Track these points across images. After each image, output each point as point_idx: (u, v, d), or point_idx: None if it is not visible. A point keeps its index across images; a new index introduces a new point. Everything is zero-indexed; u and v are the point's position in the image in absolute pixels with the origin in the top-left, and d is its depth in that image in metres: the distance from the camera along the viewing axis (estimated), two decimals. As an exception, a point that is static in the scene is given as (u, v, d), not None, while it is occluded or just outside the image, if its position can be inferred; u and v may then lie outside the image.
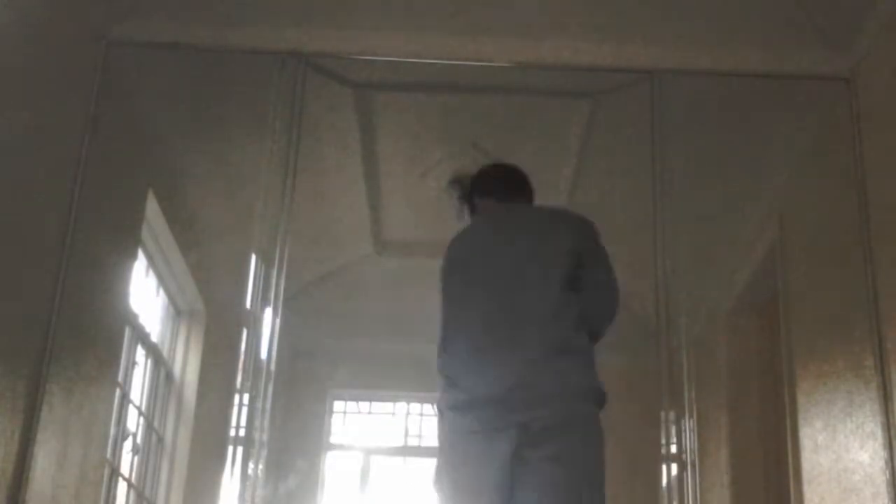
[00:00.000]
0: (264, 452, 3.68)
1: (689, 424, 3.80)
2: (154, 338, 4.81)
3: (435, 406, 2.75)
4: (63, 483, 3.54)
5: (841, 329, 3.82)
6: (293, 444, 6.07)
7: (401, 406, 6.54)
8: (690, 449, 3.80)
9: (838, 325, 3.86)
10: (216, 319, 5.13)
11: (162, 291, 4.88)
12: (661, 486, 3.75)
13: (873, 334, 3.53)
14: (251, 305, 3.80)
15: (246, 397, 3.72)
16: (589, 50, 3.94)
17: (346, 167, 4.85)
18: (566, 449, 2.44)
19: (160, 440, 4.89)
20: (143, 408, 4.69)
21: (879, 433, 3.44)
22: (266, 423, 3.70)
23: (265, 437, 3.69)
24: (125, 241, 4.15)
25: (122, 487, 4.43)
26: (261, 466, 3.65)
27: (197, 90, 4.15)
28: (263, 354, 3.76)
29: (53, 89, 3.42)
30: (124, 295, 4.14)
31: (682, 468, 3.73)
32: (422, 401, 6.43)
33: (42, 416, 3.32)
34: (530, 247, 2.69)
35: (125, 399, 4.38)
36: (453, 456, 2.54)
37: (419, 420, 6.46)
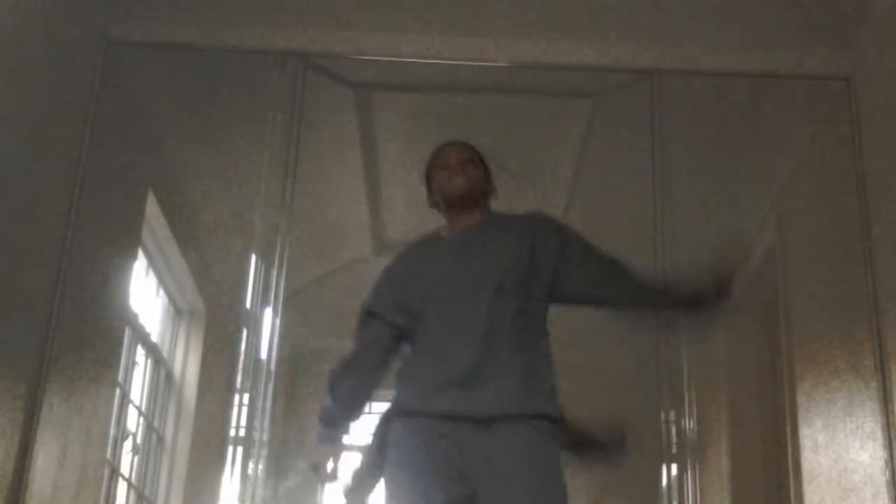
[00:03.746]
0: (264, 452, 3.68)
1: (689, 424, 3.80)
2: (154, 338, 4.80)
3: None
4: (63, 483, 3.54)
5: (841, 329, 3.82)
6: (293, 444, 6.07)
7: (401, 406, 6.53)
8: (690, 449, 3.80)
9: (838, 325, 3.86)
10: (216, 319, 5.13)
11: (162, 291, 4.88)
12: (661, 486, 3.75)
13: (873, 334, 3.54)
14: (251, 305, 3.80)
15: (246, 397, 3.72)
16: (589, 50, 3.95)
17: (346, 167, 4.85)
18: None
19: (160, 440, 4.89)
20: (143, 408, 4.69)
21: (879, 433, 3.45)
22: (266, 423, 3.70)
23: (265, 437, 3.69)
24: (125, 241, 4.15)
25: (122, 487, 4.43)
26: (261, 466, 3.65)
27: (197, 90, 4.15)
28: (263, 354, 3.76)
29: (53, 89, 3.42)
30: (124, 295, 4.14)
31: (682, 468, 3.73)
32: (422, 401, 6.41)
33: (42, 416, 3.32)
34: None
35: (125, 399, 4.38)
36: None
37: (419, 420, 6.44)
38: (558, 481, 2.38)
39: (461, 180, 2.68)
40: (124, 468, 4.48)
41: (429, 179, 2.81)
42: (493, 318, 2.46)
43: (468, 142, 2.79)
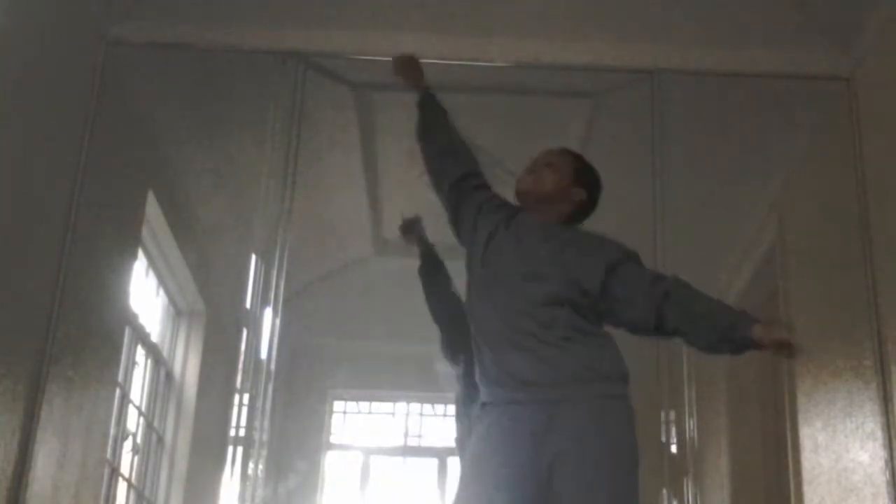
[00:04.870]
0: (264, 452, 3.68)
1: (689, 424, 3.80)
2: (154, 338, 4.80)
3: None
4: (63, 483, 3.54)
5: (841, 329, 3.82)
6: (293, 444, 6.08)
7: (401, 406, 6.54)
8: (690, 449, 3.80)
9: (838, 325, 3.86)
10: (216, 319, 5.13)
11: (162, 291, 4.88)
12: (661, 486, 3.75)
13: (873, 334, 3.54)
14: (251, 305, 3.80)
15: (246, 397, 3.72)
16: (589, 50, 3.95)
17: (346, 167, 4.85)
18: None
19: (160, 440, 4.89)
20: (143, 408, 4.69)
21: (879, 433, 3.45)
22: (266, 423, 3.70)
23: (265, 437, 3.69)
24: (125, 241, 4.15)
25: (122, 487, 4.44)
26: (261, 466, 3.65)
27: (197, 90, 4.15)
28: (263, 354, 3.76)
29: (53, 89, 3.42)
30: (124, 295, 4.14)
31: (682, 468, 3.73)
32: (422, 401, 6.43)
33: (42, 416, 3.32)
34: None
35: (125, 399, 4.38)
36: None
37: (419, 420, 6.46)
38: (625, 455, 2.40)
39: (524, 182, 2.72)
40: (124, 468, 4.48)
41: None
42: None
43: (565, 149, 2.83)
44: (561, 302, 2.50)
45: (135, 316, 4.44)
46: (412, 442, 6.44)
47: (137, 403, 4.61)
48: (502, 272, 2.59)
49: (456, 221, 2.78)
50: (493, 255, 2.64)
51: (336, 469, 6.37)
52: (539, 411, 2.40)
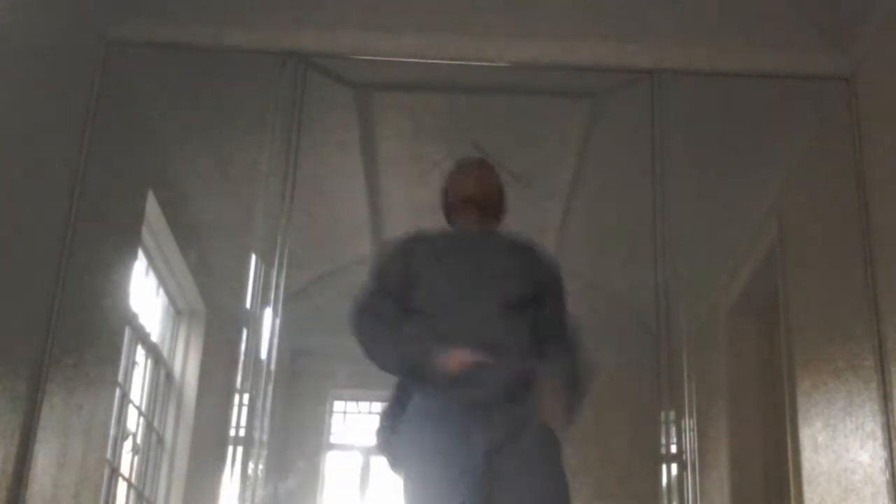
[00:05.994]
0: (264, 452, 3.68)
1: (689, 424, 3.80)
2: (154, 338, 4.80)
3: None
4: (63, 483, 3.54)
5: (841, 329, 3.82)
6: (293, 444, 6.07)
7: (401, 406, 6.53)
8: (690, 449, 3.80)
9: (838, 325, 3.86)
10: (216, 319, 5.13)
11: (162, 291, 4.88)
12: (661, 486, 3.76)
13: (873, 334, 3.54)
14: (251, 305, 3.80)
15: (246, 397, 3.72)
16: (589, 50, 3.95)
17: (346, 167, 4.85)
18: None
19: (160, 440, 4.89)
20: (143, 408, 4.69)
21: (879, 433, 3.45)
22: (266, 423, 3.70)
23: (265, 437, 3.69)
24: (125, 241, 4.15)
25: (122, 487, 4.44)
26: (261, 466, 3.65)
27: (197, 90, 4.15)
28: (263, 354, 3.76)
29: (53, 89, 3.43)
30: (124, 295, 4.14)
31: (682, 468, 3.73)
32: (421, 401, 6.41)
33: (42, 416, 3.32)
34: None
35: (125, 399, 4.38)
36: None
37: (419, 420, 6.44)
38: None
39: (477, 183, 2.78)
40: (124, 468, 4.48)
41: (445, 192, 2.88)
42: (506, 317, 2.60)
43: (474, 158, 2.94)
44: None
45: (135, 316, 4.44)
46: (412, 442, 6.42)
47: (137, 403, 4.61)
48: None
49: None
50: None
51: (336, 469, 6.36)
52: None
